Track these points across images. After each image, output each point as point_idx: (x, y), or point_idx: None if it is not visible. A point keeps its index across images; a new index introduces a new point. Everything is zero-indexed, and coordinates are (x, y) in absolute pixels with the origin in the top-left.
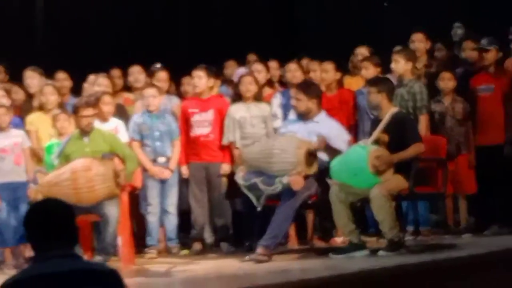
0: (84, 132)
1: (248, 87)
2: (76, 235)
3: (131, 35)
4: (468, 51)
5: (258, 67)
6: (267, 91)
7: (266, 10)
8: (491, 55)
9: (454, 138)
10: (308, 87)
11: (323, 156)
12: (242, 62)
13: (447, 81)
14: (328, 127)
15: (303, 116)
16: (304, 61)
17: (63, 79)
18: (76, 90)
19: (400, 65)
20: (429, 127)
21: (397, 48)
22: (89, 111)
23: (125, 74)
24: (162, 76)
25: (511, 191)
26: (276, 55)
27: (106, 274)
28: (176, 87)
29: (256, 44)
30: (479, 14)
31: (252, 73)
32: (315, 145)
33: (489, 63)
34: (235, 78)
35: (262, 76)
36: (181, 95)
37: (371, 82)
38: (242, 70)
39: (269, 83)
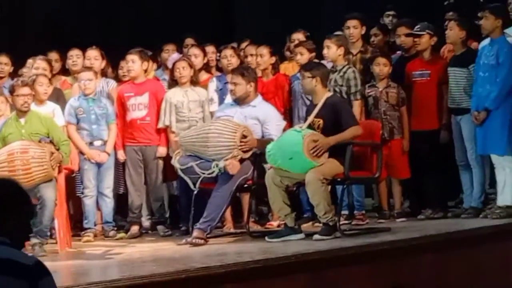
0: (21, 113)
1: (182, 72)
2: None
3: (72, 19)
4: (402, 37)
5: (195, 51)
6: (204, 75)
7: None
8: (424, 41)
9: (388, 123)
10: (246, 72)
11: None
12: (181, 46)
13: (382, 66)
14: (264, 112)
15: (240, 101)
16: (243, 45)
17: (4, 63)
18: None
19: (332, 51)
20: (363, 112)
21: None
22: (25, 90)
23: (64, 58)
24: (92, 54)
25: (445, 176)
26: (213, 40)
27: (29, 268)
28: (114, 71)
29: (193, 28)
30: (415, 1)
31: (185, 58)
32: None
33: (422, 49)
34: (169, 64)
35: (199, 61)
36: (119, 79)
37: (305, 67)
38: (175, 55)
39: (206, 67)
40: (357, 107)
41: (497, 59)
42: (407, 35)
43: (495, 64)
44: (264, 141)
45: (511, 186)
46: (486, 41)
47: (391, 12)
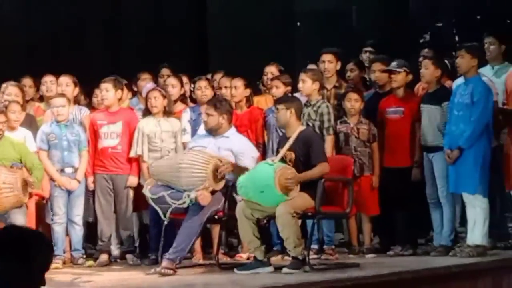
0: None
1: (153, 102)
2: None
3: (47, 45)
4: (377, 73)
5: (172, 81)
6: (179, 106)
7: (180, 26)
8: (401, 78)
9: (358, 159)
10: (219, 103)
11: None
12: (157, 75)
13: (353, 102)
14: (237, 143)
15: (213, 132)
16: (217, 76)
17: None
18: None
19: (307, 85)
20: (334, 147)
21: (306, 68)
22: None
23: (38, 84)
24: (64, 81)
25: (415, 213)
26: (187, 71)
27: None
28: (87, 98)
29: (168, 58)
30: (392, 37)
31: (158, 88)
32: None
33: (398, 86)
34: (143, 93)
35: (176, 91)
36: (93, 107)
37: (280, 100)
38: (150, 85)
39: (182, 98)
40: (329, 143)
41: (472, 98)
42: (384, 71)
43: (470, 103)
44: (241, 167)
45: (481, 225)
46: (460, 80)
47: (369, 49)
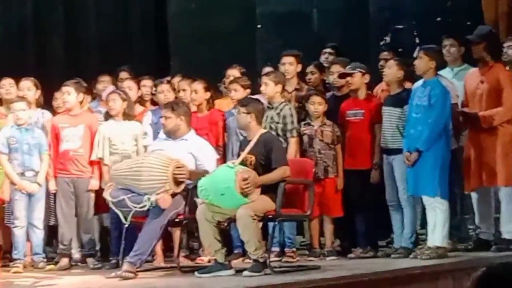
0: None
1: (112, 105)
2: None
3: (6, 49)
4: (336, 75)
5: (129, 84)
6: (139, 109)
7: (140, 28)
8: (356, 79)
9: (323, 161)
10: (176, 105)
11: None
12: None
13: (317, 105)
14: (197, 145)
15: (172, 134)
16: (176, 80)
17: None
18: None
19: (269, 88)
20: (298, 149)
21: (266, 71)
22: None
23: None
24: (25, 85)
25: (376, 215)
26: (149, 74)
27: None
28: (49, 102)
29: (130, 61)
30: (352, 39)
31: (117, 91)
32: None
33: (355, 88)
34: (104, 96)
35: (133, 94)
36: (54, 110)
37: (241, 103)
38: (110, 88)
39: (141, 101)
40: (293, 145)
41: (430, 100)
42: (339, 75)
43: (428, 105)
44: (197, 173)
45: (441, 227)
46: (419, 82)
47: (328, 50)
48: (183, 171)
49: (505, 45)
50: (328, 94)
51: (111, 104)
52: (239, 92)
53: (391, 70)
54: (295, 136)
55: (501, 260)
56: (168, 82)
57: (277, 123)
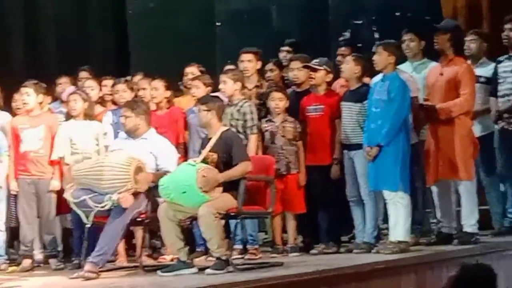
0: None
1: (73, 105)
2: None
3: None
4: (296, 71)
5: (90, 84)
6: (99, 109)
7: (100, 27)
8: (320, 76)
9: (285, 157)
10: (136, 104)
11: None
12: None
13: (277, 101)
14: (157, 144)
15: (132, 134)
16: (136, 79)
17: None
18: None
19: (228, 85)
20: (260, 146)
21: (225, 68)
22: None
23: None
24: None
25: (338, 211)
26: (109, 74)
27: None
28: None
29: (89, 61)
30: (312, 36)
31: (78, 91)
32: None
33: (316, 84)
34: (64, 97)
35: (94, 94)
36: (13, 111)
37: (201, 101)
38: (71, 88)
39: (102, 101)
40: (253, 141)
41: (389, 95)
42: (305, 66)
43: (387, 99)
44: (159, 174)
45: (403, 222)
46: (378, 77)
47: (286, 48)
48: (142, 177)
49: (467, 38)
50: (289, 91)
51: (72, 104)
52: (200, 90)
53: (349, 65)
54: (255, 133)
55: (463, 254)
56: (126, 81)
57: (237, 120)
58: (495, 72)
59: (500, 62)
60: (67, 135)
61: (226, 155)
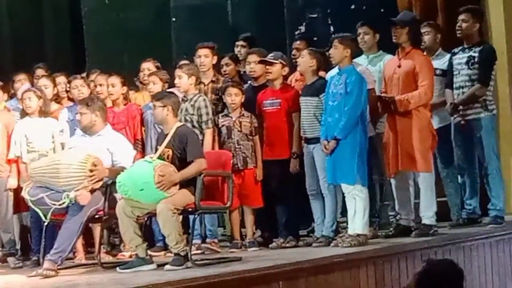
0: None
1: (28, 103)
2: None
3: None
4: (252, 64)
5: (45, 82)
6: (55, 106)
7: (56, 25)
8: (276, 70)
9: (242, 152)
10: (91, 101)
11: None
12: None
13: (234, 96)
14: (113, 141)
15: (88, 130)
16: (93, 75)
17: None
18: None
19: (183, 80)
20: (217, 141)
21: (180, 63)
22: None
23: None
24: None
25: (296, 205)
26: (64, 70)
27: None
28: None
29: (45, 58)
30: (267, 30)
31: (32, 88)
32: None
33: (273, 78)
34: (19, 94)
35: (49, 91)
36: None
37: (157, 97)
38: (26, 86)
39: (57, 98)
40: (208, 136)
41: (346, 88)
42: (260, 61)
43: (344, 93)
44: (115, 170)
45: (361, 215)
46: (334, 71)
47: (241, 42)
48: (98, 170)
49: (422, 31)
50: (246, 85)
51: (26, 102)
52: (157, 85)
53: (304, 59)
54: (210, 127)
55: (422, 246)
56: (83, 78)
57: (192, 115)
58: (450, 64)
59: (455, 54)
60: (23, 133)
61: (181, 151)
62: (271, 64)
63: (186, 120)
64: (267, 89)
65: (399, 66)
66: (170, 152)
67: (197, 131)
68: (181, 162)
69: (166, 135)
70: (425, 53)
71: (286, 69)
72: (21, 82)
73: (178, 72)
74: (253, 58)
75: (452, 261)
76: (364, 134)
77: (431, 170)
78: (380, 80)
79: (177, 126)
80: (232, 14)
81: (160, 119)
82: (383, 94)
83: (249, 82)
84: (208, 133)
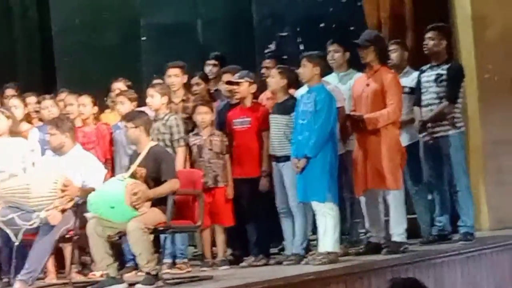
0: None
1: None
2: None
3: None
4: (223, 84)
5: (14, 102)
6: (25, 126)
7: (25, 45)
8: (243, 88)
9: (212, 171)
10: (60, 122)
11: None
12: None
13: (203, 115)
14: (82, 161)
15: (58, 151)
16: (63, 95)
17: None
18: None
19: (155, 99)
20: (188, 159)
21: (153, 82)
22: None
23: None
24: None
25: (267, 223)
26: (35, 89)
27: None
28: None
29: (14, 78)
30: (237, 48)
31: (1, 109)
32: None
33: (242, 97)
34: None
35: (19, 112)
36: None
37: (128, 117)
38: None
39: (28, 118)
40: (180, 154)
41: (315, 106)
42: (226, 82)
43: (313, 111)
44: (86, 190)
45: (332, 232)
46: (304, 89)
47: (212, 62)
48: (69, 190)
49: (389, 49)
50: (222, 103)
51: None
52: (126, 105)
53: (275, 79)
54: (182, 146)
55: (392, 263)
56: (52, 98)
57: (164, 134)
58: (419, 82)
59: (423, 71)
60: None
61: (154, 170)
62: (237, 84)
63: (158, 139)
64: (237, 108)
65: (368, 85)
66: (144, 171)
67: (169, 150)
68: (154, 181)
69: (139, 154)
70: (393, 70)
71: (254, 86)
72: None
73: (150, 91)
74: (227, 77)
75: (416, 279)
76: (334, 152)
77: (401, 187)
78: (350, 98)
79: (151, 145)
80: (202, 33)
81: (134, 139)
82: (352, 113)
83: (225, 99)
84: (180, 151)
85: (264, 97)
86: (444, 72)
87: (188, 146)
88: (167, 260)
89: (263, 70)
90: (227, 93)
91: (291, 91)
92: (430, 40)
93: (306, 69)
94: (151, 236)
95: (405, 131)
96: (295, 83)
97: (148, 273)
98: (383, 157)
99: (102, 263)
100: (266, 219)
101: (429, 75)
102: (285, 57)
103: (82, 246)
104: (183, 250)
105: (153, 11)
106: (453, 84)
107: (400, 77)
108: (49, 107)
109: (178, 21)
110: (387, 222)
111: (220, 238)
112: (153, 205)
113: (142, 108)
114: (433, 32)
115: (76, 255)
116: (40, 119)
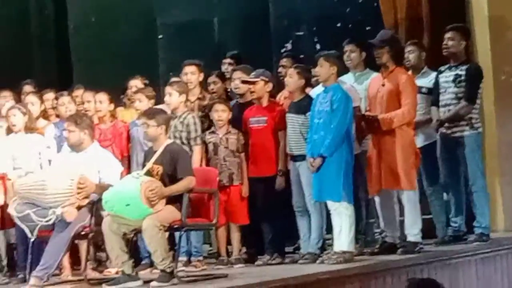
0: None
1: (13, 120)
2: None
3: None
4: (237, 81)
5: (31, 99)
6: (42, 122)
7: (42, 42)
8: (259, 87)
9: (228, 169)
10: (80, 119)
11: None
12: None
13: (220, 113)
14: (100, 158)
15: (76, 147)
16: (79, 91)
17: None
18: None
19: (173, 98)
20: (204, 157)
21: (171, 81)
22: None
23: None
24: None
25: (282, 222)
26: (51, 86)
27: None
28: None
29: (32, 75)
30: (254, 47)
31: (17, 106)
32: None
33: (258, 96)
34: (3, 112)
35: (36, 108)
36: None
37: (149, 115)
38: (10, 103)
39: (44, 114)
40: (197, 152)
41: (332, 106)
42: (243, 82)
43: (329, 110)
44: (102, 186)
45: (347, 232)
46: (320, 88)
47: (228, 60)
48: (86, 186)
49: (406, 50)
50: (232, 102)
51: (11, 119)
52: (143, 103)
53: (293, 79)
54: (199, 144)
55: (407, 263)
56: (70, 94)
57: (181, 132)
58: (437, 82)
59: (441, 72)
60: (9, 150)
61: (170, 168)
62: (253, 83)
63: (175, 137)
64: (253, 106)
65: (383, 85)
66: (160, 169)
67: (186, 148)
68: (169, 179)
69: (155, 151)
70: (410, 71)
71: (270, 85)
72: (5, 99)
73: (168, 89)
74: (238, 75)
75: (433, 280)
76: (349, 151)
77: (415, 188)
78: (366, 98)
79: (167, 143)
80: (219, 31)
81: (152, 137)
82: (366, 113)
83: (235, 99)
84: (197, 150)
85: (282, 96)
86: (463, 72)
87: (204, 144)
88: (182, 258)
89: (280, 69)
90: (237, 91)
91: (307, 90)
92: (449, 41)
93: (323, 69)
94: (166, 234)
95: (422, 131)
96: (310, 82)
97: (163, 271)
98: (398, 157)
99: (117, 260)
100: (281, 217)
101: (447, 76)
102: (301, 56)
103: (98, 243)
104: (198, 248)
105: (169, 9)
106: (471, 84)
107: (418, 78)
108: (66, 104)
109: (195, 20)
110: (402, 222)
111: (235, 236)
112: (168, 202)
113: (159, 106)
114: (452, 32)
115: (91, 252)
116: (57, 116)
